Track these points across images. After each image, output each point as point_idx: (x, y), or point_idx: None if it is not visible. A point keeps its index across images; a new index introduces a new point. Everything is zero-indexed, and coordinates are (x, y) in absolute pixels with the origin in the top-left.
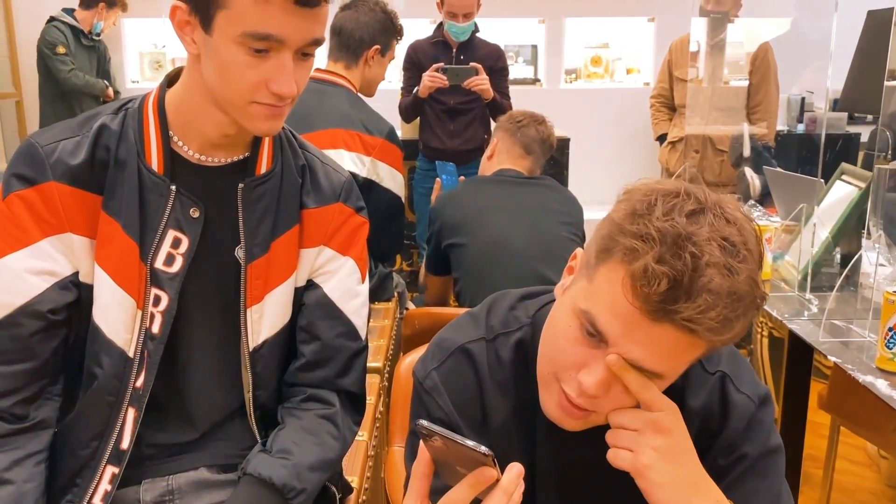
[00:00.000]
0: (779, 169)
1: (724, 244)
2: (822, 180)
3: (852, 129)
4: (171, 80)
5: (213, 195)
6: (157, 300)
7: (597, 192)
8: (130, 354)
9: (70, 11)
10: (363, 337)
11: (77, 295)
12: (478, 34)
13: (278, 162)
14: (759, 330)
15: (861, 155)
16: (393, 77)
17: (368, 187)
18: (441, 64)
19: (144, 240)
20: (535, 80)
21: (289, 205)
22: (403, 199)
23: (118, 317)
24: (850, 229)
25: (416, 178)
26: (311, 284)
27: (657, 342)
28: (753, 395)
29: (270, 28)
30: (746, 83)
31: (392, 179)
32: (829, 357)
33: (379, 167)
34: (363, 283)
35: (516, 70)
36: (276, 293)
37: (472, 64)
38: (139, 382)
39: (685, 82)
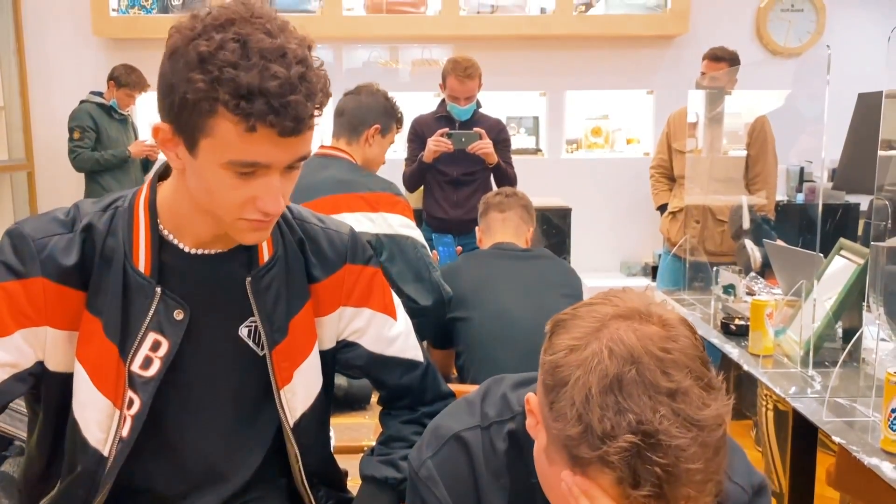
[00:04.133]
0: (779, 242)
1: (677, 406)
2: (822, 255)
3: (852, 199)
4: (162, 175)
5: (215, 279)
6: (129, 403)
7: (599, 260)
8: (105, 454)
9: (100, 93)
10: (421, 357)
11: (32, 383)
12: (480, 110)
13: (279, 245)
14: (764, 403)
15: (861, 223)
16: (398, 147)
17: (388, 242)
18: (446, 129)
19: (125, 341)
20: (537, 150)
21: (297, 283)
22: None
23: (93, 416)
24: (851, 304)
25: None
26: (346, 345)
27: None
28: (747, 484)
29: (257, 157)
30: (745, 154)
31: (407, 228)
32: (833, 438)
33: (389, 219)
34: (397, 319)
35: (518, 140)
36: (303, 368)
37: (475, 129)
38: (110, 482)
39: (683, 154)
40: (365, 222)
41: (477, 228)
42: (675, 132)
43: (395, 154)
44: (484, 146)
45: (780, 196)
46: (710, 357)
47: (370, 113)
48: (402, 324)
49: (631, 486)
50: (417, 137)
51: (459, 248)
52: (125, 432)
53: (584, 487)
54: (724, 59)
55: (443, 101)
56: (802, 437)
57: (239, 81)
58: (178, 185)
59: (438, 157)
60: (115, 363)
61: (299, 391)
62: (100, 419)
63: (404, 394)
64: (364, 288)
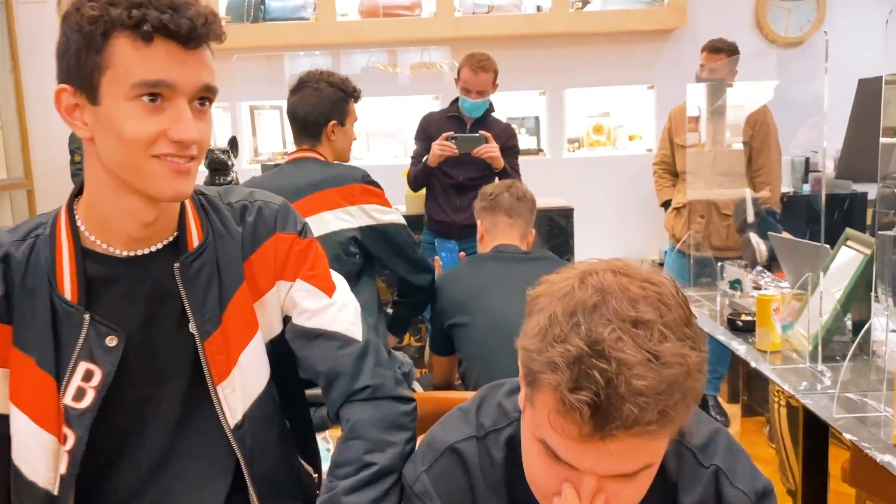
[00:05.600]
0: (784, 235)
1: (634, 332)
2: (828, 245)
3: (859, 188)
4: (80, 191)
5: (149, 281)
6: (64, 439)
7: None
8: (56, 493)
9: None
10: (360, 336)
11: None
12: (493, 113)
13: (209, 230)
14: (776, 399)
15: (870, 212)
16: (398, 152)
17: (372, 233)
18: (451, 133)
19: (60, 374)
20: (539, 151)
21: (230, 267)
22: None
23: (39, 456)
24: (860, 296)
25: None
26: (285, 321)
27: (618, 452)
28: (750, 490)
29: (158, 73)
30: (747, 146)
31: (386, 213)
32: (844, 435)
33: (367, 209)
34: (332, 295)
35: (519, 141)
36: (242, 361)
37: (481, 132)
38: None
39: (685, 149)
40: (345, 217)
41: (479, 223)
42: (677, 127)
43: (395, 160)
44: (490, 150)
45: (786, 188)
46: (721, 356)
47: (320, 111)
48: (339, 297)
49: (569, 389)
50: (426, 136)
51: (462, 253)
52: (63, 469)
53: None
54: (722, 50)
55: (454, 101)
56: (814, 434)
57: None
58: (92, 172)
59: (444, 160)
60: (53, 397)
61: (238, 387)
62: (47, 458)
63: (335, 378)
64: (297, 258)
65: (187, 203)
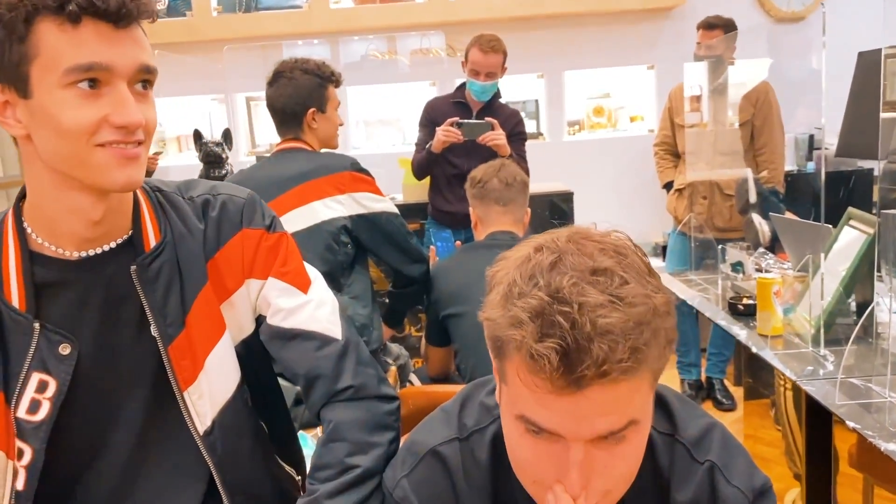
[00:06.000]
0: (787, 215)
1: (594, 279)
2: (830, 226)
3: (865, 165)
4: (24, 195)
5: (104, 284)
6: (20, 454)
7: None
8: None
9: None
10: (339, 334)
11: None
12: (500, 99)
13: (167, 229)
14: (782, 382)
15: (876, 189)
16: (396, 140)
17: (363, 222)
18: (456, 119)
19: (9, 385)
20: (539, 135)
21: (192, 267)
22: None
23: None
24: (863, 277)
25: (424, 242)
26: (258, 321)
27: (597, 404)
28: (746, 488)
29: (90, 56)
30: (748, 124)
31: (378, 202)
32: (847, 423)
33: (358, 198)
34: (308, 291)
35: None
36: (209, 365)
37: (487, 119)
38: None
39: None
40: (336, 206)
41: (471, 210)
42: (677, 107)
43: (396, 147)
44: (496, 137)
45: (790, 166)
46: (726, 339)
47: (298, 100)
48: (315, 295)
49: (535, 340)
50: (430, 122)
51: (459, 242)
52: (20, 485)
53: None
54: (718, 26)
55: (460, 86)
56: (818, 420)
57: None
58: (33, 173)
59: (449, 148)
60: (2, 411)
61: (206, 392)
62: None
63: (315, 379)
64: (266, 255)
65: (141, 200)
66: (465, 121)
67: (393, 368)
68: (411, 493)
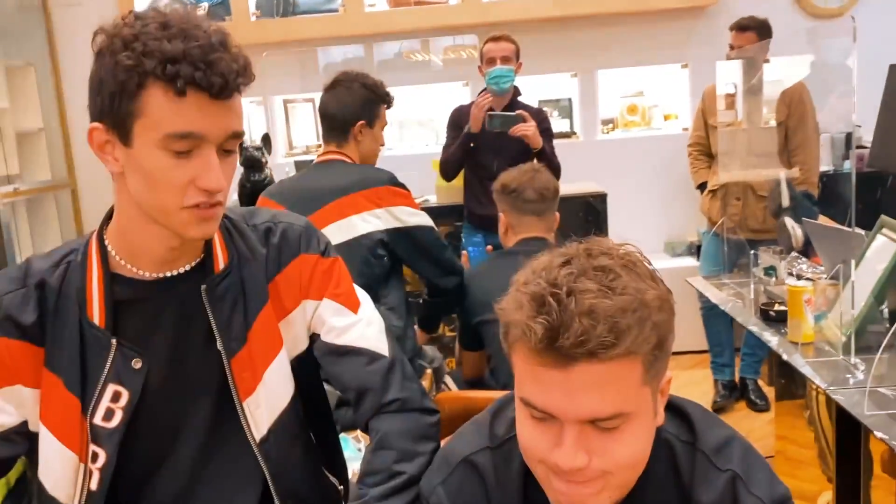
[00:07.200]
0: (821, 219)
1: (592, 273)
2: (862, 233)
3: None
4: (111, 215)
5: (176, 302)
6: (94, 457)
7: (642, 242)
8: None
9: None
10: (387, 351)
11: (25, 445)
12: (519, 97)
13: (233, 253)
14: (815, 387)
15: None
16: (429, 140)
17: (399, 236)
18: (489, 107)
19: (86, 395)
20: (572, 133)
21: (254, 288)
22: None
23: (61, 472)
24: (895, 285)
25: (461, 246)
26: (312, 338)
27: (583, 381)
28: (767, 497)
29: (189, 126)
30: (782, 125)
31: (414, 216)
32: (875, 433)
33: (395, 212)
34: (358, 311)
35: (552, 124)
36: (267, 378)
37: (518, 111)
38: None
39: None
40: (373, 220)
41: (501, 215)
42: (711, 107)
43: (424, 148)
44: (526, 129)
45: (826, 166)
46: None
47: (350, 110)
48: (365, 314)
49: (529, 318)
50: (457, 128)
51: (490, 246)
52: (94, 485)
53: None
54: (750, 28)
55: (482, 91)
56: (848, 427)
57: (164, 49)
58: (122, 200)
59: (477, 150)
60: (78, 417)
61: (263, 403)
62: (68, 474)
63: (365, 392)
64: (322, 278)
65: None
66: (496, 112)
67: (428, 371)
68: (446, 499)
